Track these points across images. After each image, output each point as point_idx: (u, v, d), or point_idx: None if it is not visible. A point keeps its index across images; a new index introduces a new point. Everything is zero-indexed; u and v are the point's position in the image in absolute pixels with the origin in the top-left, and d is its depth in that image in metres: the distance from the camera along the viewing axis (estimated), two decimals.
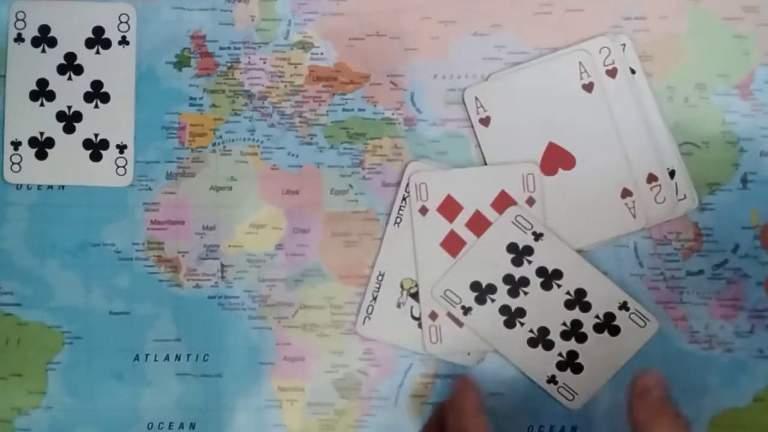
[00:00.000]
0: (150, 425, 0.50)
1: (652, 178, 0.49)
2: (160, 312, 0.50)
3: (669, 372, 0.50)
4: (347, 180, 0.50)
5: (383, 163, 0.50)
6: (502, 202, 0.49)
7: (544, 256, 0.48)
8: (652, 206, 0.49)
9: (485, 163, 0.50)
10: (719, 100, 0.50)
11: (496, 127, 0.50)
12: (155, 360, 0.50)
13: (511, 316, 0.48)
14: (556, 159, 0.49)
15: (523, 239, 0.48)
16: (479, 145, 0.50)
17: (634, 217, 0.49)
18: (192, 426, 0.50)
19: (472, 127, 0.50)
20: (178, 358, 0.50)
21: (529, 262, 0.48)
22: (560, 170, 0.49)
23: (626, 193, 0.49)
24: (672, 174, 0.49)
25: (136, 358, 0.49)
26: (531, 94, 0.49)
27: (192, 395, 0.50)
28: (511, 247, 0.48)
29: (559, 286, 0.48)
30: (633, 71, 0.49)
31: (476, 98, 0.50)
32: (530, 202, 0.49)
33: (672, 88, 0.50)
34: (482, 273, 0.48)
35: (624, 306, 0.49)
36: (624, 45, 0.50)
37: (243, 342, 0.50)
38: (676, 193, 0.49)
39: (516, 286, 0.48)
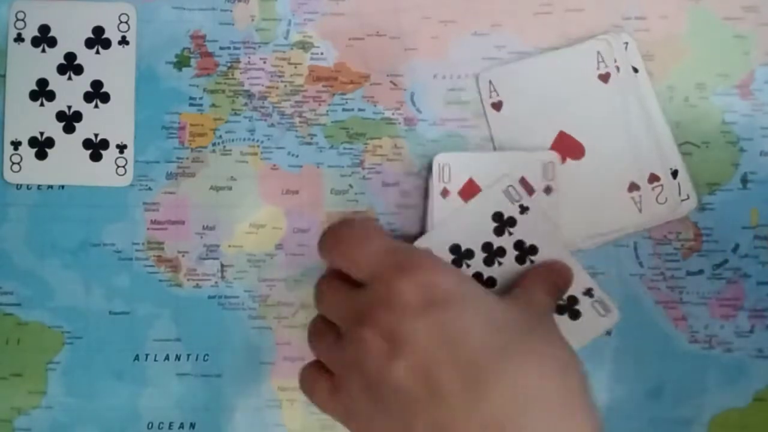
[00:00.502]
0: (150, 425, 0.50)
1: (654, 178, 0.49)
2: (160, 312, 0.50)
3: (669, 372, 0.50)
4: (347, 180, 0.50)
5: (383, 163, 0.50)
6: (523, 188, 0.48)
7: (525, 230, 0.48)
8: (654, 206, 0.49)
9: (494, 149, 0.50)
10: (719, 100, 0.50)
11: (507, 113, 0.49)
12: (155, 360, 0.50)
13: (482, 285, 0.48)
14: (565, 148, 0.49)
15: (509, 210, 0.48)
16: (489, 130, 0.50)
17: (640, 211, 0.49)
18: (192, 426, 0.50)
19: (484, 111, 0.50)
20: (178, 358, 0.50)
21: (510, 233, 0.48)
22: (569, 159, 0.49)
23: (633, 187, 0.49)
24: (675, 174, 0.49)
25: (136, 358, 0.50)
26: (545, 81, 0.49)
27: (192, 395, 0.50)
28: (496, 216, 0.48)
29: (532, 261, 0.48)
30: (636, 70, 0.49)
31: (490, 82, 0.50)
32: (548, 190, 0.48)
33: (672, 88, 0.50)
34: (464, 237, 0.48)
35: (588, 292, 0.48)
36: (626, 44, 0.50)
37: (243, 342, 0.50)
38: (679, 193, 0.49)
39: (492, 255, 0.48)
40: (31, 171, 0.49)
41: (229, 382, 0.50)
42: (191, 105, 0.50)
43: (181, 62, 0.50)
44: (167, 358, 0.50)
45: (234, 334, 0.50)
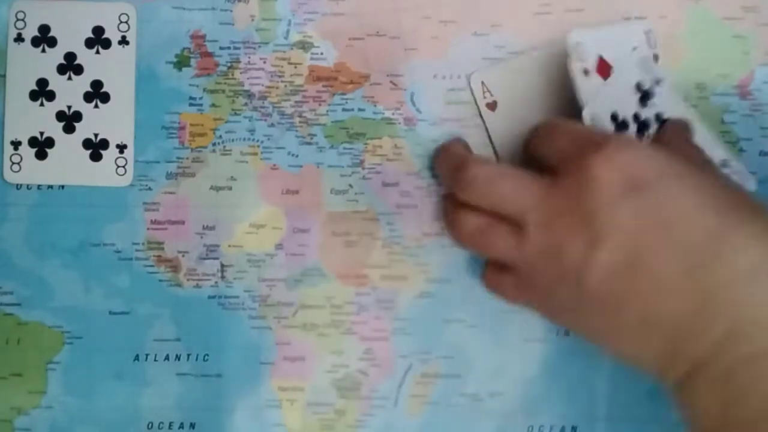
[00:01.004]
0: (150, 425, 0.50)
1: None
2: (160, 312, 0.50)
3: None
4: (347, 180, 0.50)
5: (383, 163, 0.50)
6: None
7: (661, 101, 0.47)
8: None
9: (494, 150, 0.49)
10: (719, 100, 0.50)
11: (503, 112, 0.49)
12: (155, 360, 0.50)
13: None
14: None
15: (647, 81, 0.47)
16: (486, 130, 0.50)
17: None
18: (192, 426, 0.50)
19: (479, 111, 0.50)
20: (178, 358, 0.50)
21: (653, 104, 0.47)
22: None
23: None
24: None
25: (136, 358, 0.50)
26: (537, 78, 0.49)
27: (192, 395, 0.50)
28: (638, 86, 0.47)
29: None
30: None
31: (482, 83, 0.50)
32: (656, 58, 0.48)
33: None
34: (618, 108, 0.46)
35: (725, 164, 0.47)
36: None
37: (243, 342, 0.50)
38: None
39: (641, 126, 0.46)
40: (31, 171, 0.49)
41: (229, 382, 0.50)
42: (191, 105, 0.50)
43: (181, 62, 0.50)
44: (167, 358, 0.50)
45: (234, 334, 0.50)
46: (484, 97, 0.50)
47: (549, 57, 0.50)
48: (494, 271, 0.47)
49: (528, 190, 0.42)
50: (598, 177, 0.40)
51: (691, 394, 0.40)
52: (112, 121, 0.49)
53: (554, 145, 0.43)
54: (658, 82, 0.47)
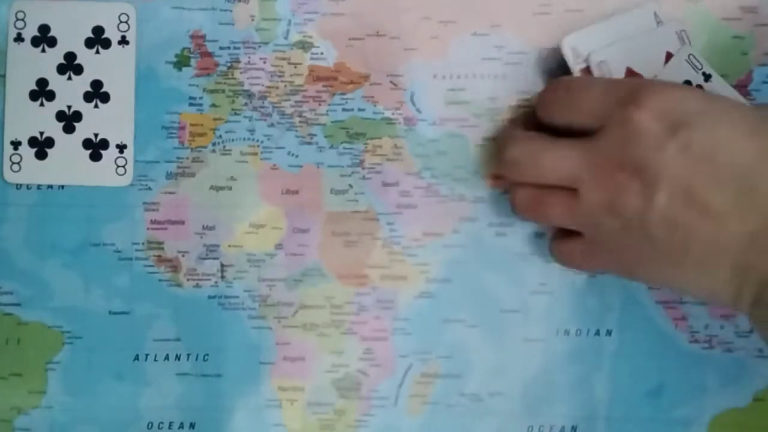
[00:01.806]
0: (150, 425, 0.50)
1: None
2: (160, 312, 0.50)
3: (669, 372, 0.50)
4: (347, 180, 0.50)
5: (383, 163, 0.50)
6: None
7: None
8: None
9: None
10: None
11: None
12: (155, 360, 0.49)
13: None
14: None
15: (696, 78, 0.47)
16: None
17: None
18: (192, 426, 0.50)
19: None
20: (178, 357, 0.50)
21: None
22: None
23: None
24: None
25: (136, 358, 0.49)
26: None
27: (192, 395, 0.50)
28: (687, 84, 0.47)
29: None
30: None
31: (573, 48, 0.48)
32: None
33: None
34: None
35: None
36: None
37: (243, 342, 0.50)
38: None
39: None
40: (31, 171, 0.49)
41: (229, 382, 0.50)
42: (191, 105, 0.50)
43: (181, 62, 0.50)
44: (167, 358, 0.50)
45: (234, 334, 0.50)
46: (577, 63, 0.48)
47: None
48: (562, 241, 0.48)
49: (570, 155, 0.44)
50: (639, 126, 0.41)
51: (762, 316, 0.41)
52: (112, 121, 0.49)
53: (582, 104, 0.44)
54: (707, 77, 0.47)
